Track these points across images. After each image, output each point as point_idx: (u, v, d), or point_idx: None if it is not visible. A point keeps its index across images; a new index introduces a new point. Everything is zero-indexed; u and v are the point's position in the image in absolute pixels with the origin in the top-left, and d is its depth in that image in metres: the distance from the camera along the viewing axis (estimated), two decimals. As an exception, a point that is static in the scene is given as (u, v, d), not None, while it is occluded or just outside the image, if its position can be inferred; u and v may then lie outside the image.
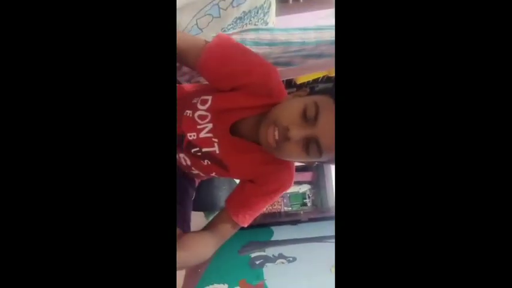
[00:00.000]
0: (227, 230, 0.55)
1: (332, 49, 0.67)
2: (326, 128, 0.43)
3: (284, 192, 0.59)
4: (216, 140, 0.53)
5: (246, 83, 0.50)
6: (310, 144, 0.45)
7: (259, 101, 0.51)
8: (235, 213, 0.55)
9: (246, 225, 0.56)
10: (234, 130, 0.53)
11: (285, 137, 0.45)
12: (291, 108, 0.46)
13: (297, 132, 0.44)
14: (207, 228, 0.56)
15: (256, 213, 0.56)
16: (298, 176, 2.06)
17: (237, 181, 0.79)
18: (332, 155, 0.46)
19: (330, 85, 0.61)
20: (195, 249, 0.52)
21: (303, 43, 0.65)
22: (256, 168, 0.55)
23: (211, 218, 0.59)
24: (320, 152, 0.45)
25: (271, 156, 0.51)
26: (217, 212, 0.60)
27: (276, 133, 0.46)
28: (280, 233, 1.75)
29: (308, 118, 0.44)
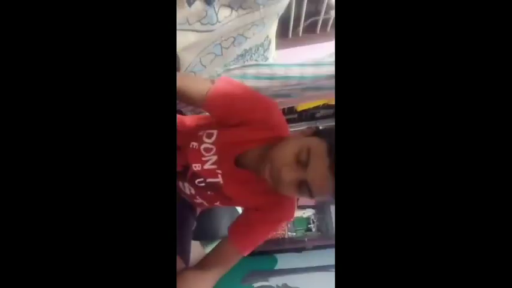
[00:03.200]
0: (229, 260, 0.55)
1: (329, 83, 0.70)
2: (316, 173, 0.45)
3: (286, 222, 0.59)
4: (220, 171, 0.55)
5: (250, 119, 0.54)
6: (301, 187, 0.47)
7: (262, 134, 0.54)
8: (238, 241, 0.55)
9: (246, 254, 0.56)
10: (238, 162, 0.55)
11: (278, 177, 0.48)
12: (285, 150, 0.49)
13: (288, 175, 0.47)
14: (208, 258, 0.56)
15: (259, 242, 0.57)
16: (302, 200, 2.03)
17: (239, 211, 0.80)
18: (324, 197, 0.47)
19: (330, 127, 0.63)
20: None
21: (302, 77, 0.69)
22: (259, 197, 0.56)
23: (209, 247, 0.58)
24: (311, 194, 0.47)
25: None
26: (216, 241, 0.59)
27: (271, 172, 0.49)
28: (284, 261, 1.70)
29: (300, 162, 0.46)
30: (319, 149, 0.46)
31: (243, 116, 0.54)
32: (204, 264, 0.55)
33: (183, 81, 0.57)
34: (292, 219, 0.58)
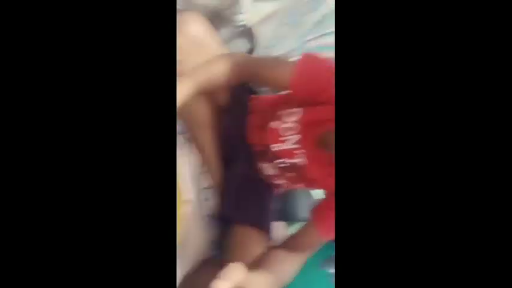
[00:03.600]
0: (313, 243, 0.54)
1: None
2: None
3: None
4: (301, 151, 0.53)
5: None
6: None
7: None
8: (321, 225, 0.53)
9: (329, 239, 0.54)
10: (319, 142, 0.52)
11: None
12: None
13: None
14: (294, 240, 0.56)
15: None
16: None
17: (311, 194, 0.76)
18: None
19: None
20: (281, 270, 0.52)
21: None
22: None
23: (291, 228, 0.58)
24: None
25: None
26: (296, 223, 0.58)
27: None
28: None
29: None
30: None
31: (331, 94, 0.50)
32: (289, 245, 0.55)
33: (262, 66, 0.55)
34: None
